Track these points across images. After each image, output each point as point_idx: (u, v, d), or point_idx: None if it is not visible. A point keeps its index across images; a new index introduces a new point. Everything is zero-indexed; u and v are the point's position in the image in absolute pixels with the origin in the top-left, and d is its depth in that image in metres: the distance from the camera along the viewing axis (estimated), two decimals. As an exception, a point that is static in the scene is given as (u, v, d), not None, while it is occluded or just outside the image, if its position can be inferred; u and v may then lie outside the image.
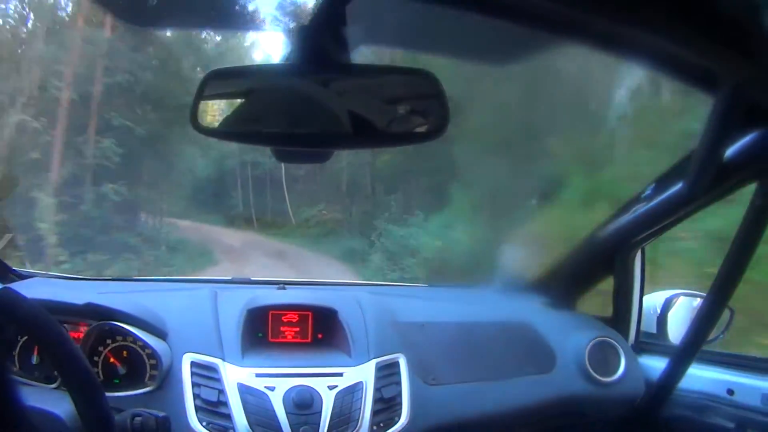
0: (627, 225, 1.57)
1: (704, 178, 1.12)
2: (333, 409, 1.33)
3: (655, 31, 0.63)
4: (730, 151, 1.09)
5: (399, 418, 1.39)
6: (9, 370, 1.18)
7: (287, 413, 1.31)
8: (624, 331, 1.71)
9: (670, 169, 1.39)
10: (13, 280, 1.64)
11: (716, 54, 0.67)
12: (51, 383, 1.31)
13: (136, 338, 1.36)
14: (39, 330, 0.95)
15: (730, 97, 0.91)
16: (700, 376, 1.49)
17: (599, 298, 1.87)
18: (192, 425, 1.29)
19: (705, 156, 1.07)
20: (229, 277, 1.92)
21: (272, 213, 12.83)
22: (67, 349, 0.96)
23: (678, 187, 1.33)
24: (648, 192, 1.46)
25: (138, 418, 1.18)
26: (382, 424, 1.37)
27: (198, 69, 10.21)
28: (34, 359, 1.33)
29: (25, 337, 1.32)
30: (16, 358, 1.33)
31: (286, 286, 1.75)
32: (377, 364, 1.43)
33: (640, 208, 1.50)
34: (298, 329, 1.53)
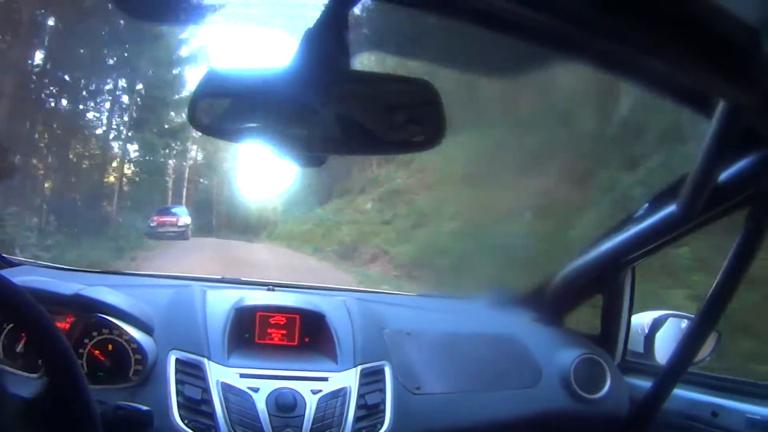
0: (618, 244, 1.57)
1: (698, 201, 1.12)
2: (316, 413, 1.33)
3: (652, 53, 0.64)
4: (724, 175, 1.09)
5: (381, 426, 1.38)
6: None
7: (270, 415, 1.31)
8: (611, 349, 1.71)
9: (664, 190, 1.39)
10: (1, 267, 1.63)
11: (714, 77, 0.67)
12: (34, 372, 1.30)
13: (122, 332, 1.35)
14: (25, 317, 0.95)
15: (727, 121, 0.91)
16: (685, 398, 1.50)
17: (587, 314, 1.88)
18: (174, 422, 1.29)
19: (700, 178, 1.07)
20: (219, 276, 1.91)
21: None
22: (53, 338, 0.95)
23: (671, 208, 1.33)
24: (641, 212, 1.46)
25: (121, 411, 1.18)
26: (364, 431, 1.36)
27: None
28: (19, 347, 1.32)
29: (12, 324, 1.31)
30: (1, 344, 1.32)
31: (275, 288, 1.75)
32: (362, 370, 1.44)
33: (632, 228, 1.50)
34: (285, 332, 1.53)
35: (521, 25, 0.70)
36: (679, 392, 1.46)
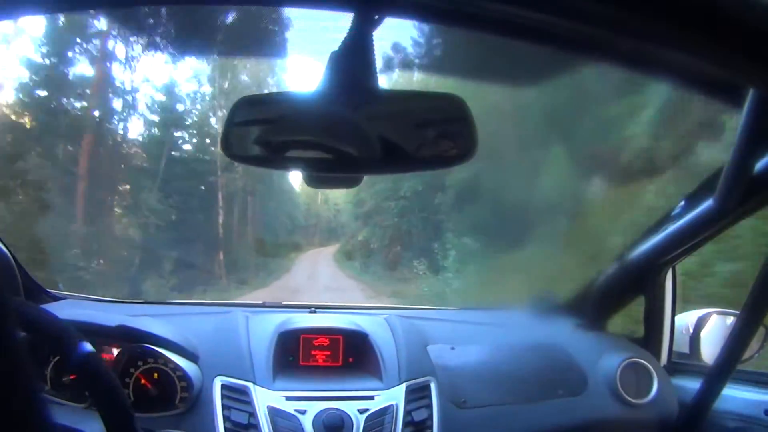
0: (657, 244, 1.55)
1: (734, 194, 1.10)
2: None
3: (680, 47, 0.63)
4: (760, 164, 1.07)
5: None
6: (40, 388, 1.20)
7: None
8: (656, 351, 1.68)
9: (700, 186, 1.37)
10: (46, 301, 1.66)
11: (744, 67, 0.66)
12: (81, 403, 1.33)
13: (167, 361, 1.37)
14: (71, 350, 0.97)
15: (759, 110, 0.90)
16: (736, 397, 1.46)
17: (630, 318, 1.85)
18: None
19: (734, 171, 1.06)
20: (261, 302, 1.93)
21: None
22: (98, 369, 0.97)
23: (708, 203, 1.31)
24: (678, 210, 1.44)
25: None
26: None
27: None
28: (66, 378, 1.35)
29: (57, 357, 1.34)
30: (48, 376, 1.34)
31: (317, 310, 1.76)
32: (408, 387, 1.43)
33: (670, 227, 1.48)
34: (329, 353, 1.54)
35: (547, 32, 0.70)
36: (729, 392, 1.42)
